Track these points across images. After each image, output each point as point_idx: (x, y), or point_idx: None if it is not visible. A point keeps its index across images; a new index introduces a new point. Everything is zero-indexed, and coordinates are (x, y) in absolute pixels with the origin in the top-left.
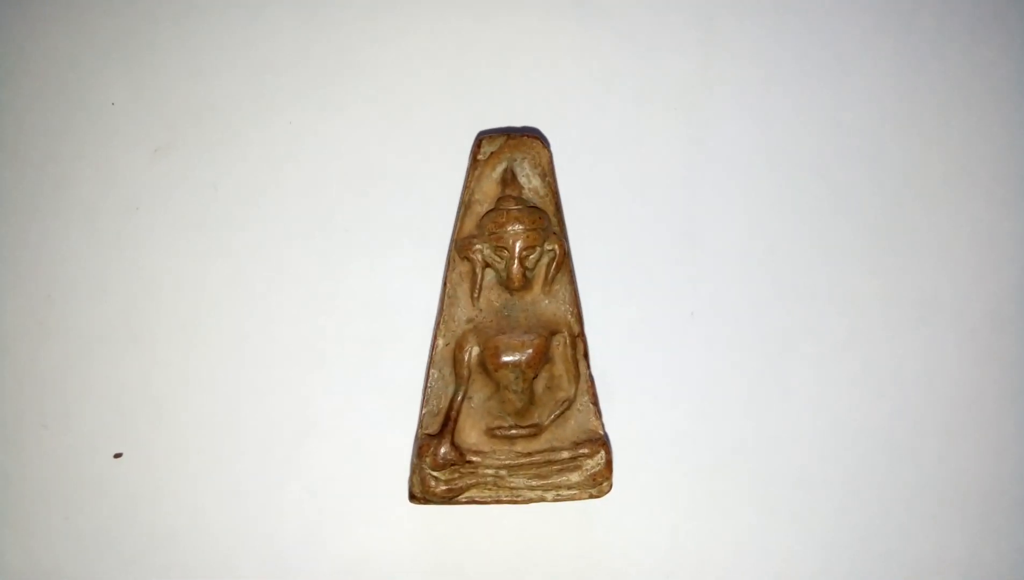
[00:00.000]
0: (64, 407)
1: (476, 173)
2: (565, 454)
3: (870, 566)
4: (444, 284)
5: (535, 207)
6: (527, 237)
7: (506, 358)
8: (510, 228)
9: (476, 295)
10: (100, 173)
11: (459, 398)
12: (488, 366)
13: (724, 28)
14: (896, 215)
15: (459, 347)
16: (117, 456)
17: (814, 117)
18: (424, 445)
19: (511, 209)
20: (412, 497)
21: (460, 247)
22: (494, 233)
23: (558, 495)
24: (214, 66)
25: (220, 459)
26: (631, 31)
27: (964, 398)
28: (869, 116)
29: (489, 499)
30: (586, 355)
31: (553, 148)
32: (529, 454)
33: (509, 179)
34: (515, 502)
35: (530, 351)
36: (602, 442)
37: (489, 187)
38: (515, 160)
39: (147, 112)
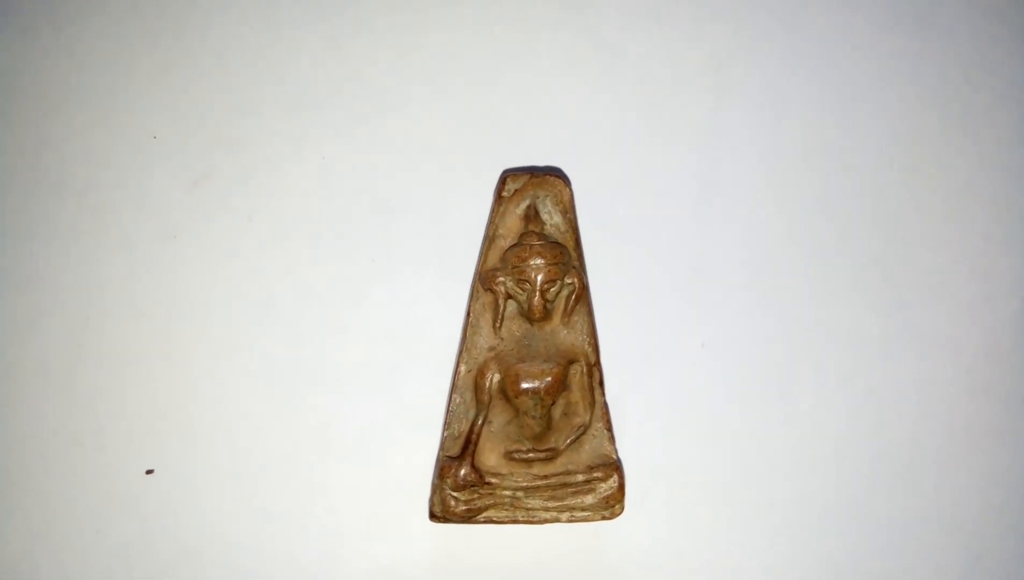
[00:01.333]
0: (98, 425)
1: (500, 209)
2: (580, 477)
3: None
4: (468, 313)
5: (556, 242)
6: (548, 271)
7: (526, 385)
8: (532, 262)
9: (498, 325)
10: (141, 202)
11: (479, 422)
12: (508, 392)
13: (735, 73)
14: (898, 253)
15: (480, 374)
16: (149, 473)
17: (819, 158)
18: (445, 466)
19: (534, 244)
20: (432, 516)
21: (484, 279)
22: (517, 267)
23: (572, 516)
24: (251, 103)
25: (247, 477)
26: (647, 77)
27: (962, 428)
28: (872, 158)
29: (506, 519)
30: (602, 383)
31: (574, 187)
32: (545, 477)
33: (532, 215)
34: (531, 522)
35: (549, 379)
36: (615, 466)
37: (513, 222)
38: (538, 197)
39: (187, 145)
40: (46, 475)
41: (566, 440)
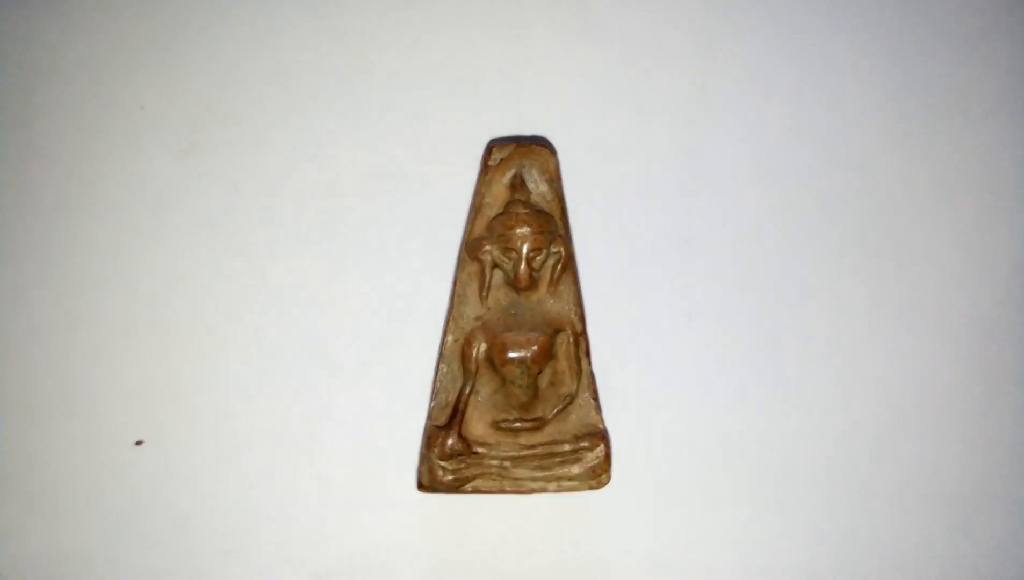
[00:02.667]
0: (88, 396)
1: (487, 178)
2: (566, 447)
3: (857, 559)
4: (454, 283)
5: (542, 211)
6: (534, 240)
7: (512, 354)
8: (518, 231)
9: (485, 294)
10: (128, 173)
11: (466, 392)
12: (495, 362)
13: (722, 45)
14: (885, 224)
15: (467, 343)
16: (138, 443)
17: (806, 130)
18: (432, 436)
19: (519, 213)
20: (420, 486)
21: (470, 248)
22: (503, 235)
23: (559, 486)
24: (237, 73)
25: (236, 448)
26: (634, 47)
27: (946, 400)
28: (859, 129)
29: (494, 489)
30: (588, 353)
31: (560, 156)
32: (532, 446)
33: (518, 184)
34: (518, 492)
35: (535, 348)
36: (602, 436)
37: (499, 191)
38: (524, 166)
39: (173, 116)
40: (36, 446)
41: (553, 410)
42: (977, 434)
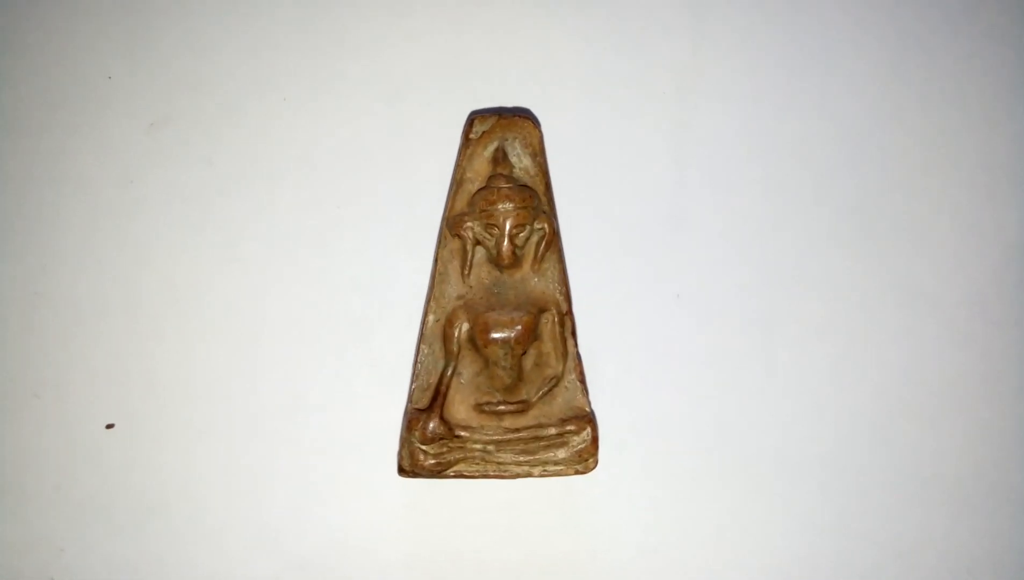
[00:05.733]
0: (56, 377)
1: (468, 152)
2: (552, 430)
3: (849, 545)
4: (435, 261)
5: (525, 186)
6: (517, 215)
7: (495, 335)
8: (500, 206)
9: (466, 272)
10: (96, 146)
11: (448, 373)
12: (477, 342)
13: (713, 15)
14: (879, 204)
15: (449, 323)
16: (109, 427)
17: (799, 105)
18: (413, 419)
19: (502, 187)
20: (401, 470)
21: (451, 224)
22: (485, 211)
23: (544, 471)
24: (210, 42)
25: (212, 431)
26: (622, 16)
27: (942, 383)
28: (854, 106)
29: (476, 473)
30: (574, 333)
31: (544, 129)
32: (517, 430)
33: (500, 158)
34: (502, 477)
35: (519, 328)
36: (588, 419)
37: (481, 166)
38: (506, 140)
39: (143, 86)
40: (2, 428)
41: (538, 392)
42: (973, 420)
